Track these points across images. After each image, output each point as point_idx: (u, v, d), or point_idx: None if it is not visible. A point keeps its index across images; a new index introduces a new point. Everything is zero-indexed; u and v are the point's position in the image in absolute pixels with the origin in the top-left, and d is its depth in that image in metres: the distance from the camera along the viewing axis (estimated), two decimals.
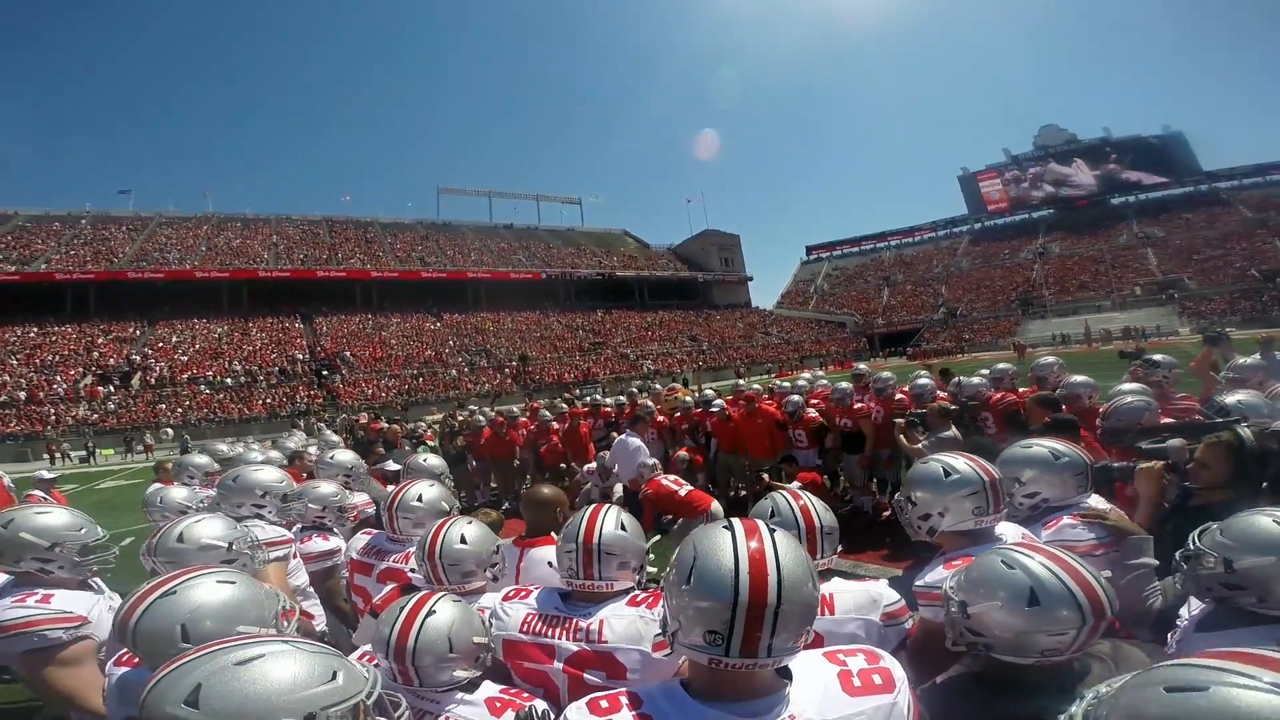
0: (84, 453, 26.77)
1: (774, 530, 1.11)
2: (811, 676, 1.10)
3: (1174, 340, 33.80)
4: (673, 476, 5.80)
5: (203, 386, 34.56)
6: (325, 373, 38.16)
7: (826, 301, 71.51)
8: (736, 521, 1.13)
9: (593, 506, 1.80)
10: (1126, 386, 4.27)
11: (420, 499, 2.65)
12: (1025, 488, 2.27)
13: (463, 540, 2.03)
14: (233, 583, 1.42)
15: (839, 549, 1.90)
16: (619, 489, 7.25)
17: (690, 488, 5.34)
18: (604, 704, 1.10)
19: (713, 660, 1.03)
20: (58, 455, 25.74)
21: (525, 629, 1.68)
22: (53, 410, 29.83)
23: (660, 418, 8.65)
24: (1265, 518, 1.48)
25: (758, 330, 60.98)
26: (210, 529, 2.11)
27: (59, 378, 32.32)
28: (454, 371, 41.32)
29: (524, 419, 9.69)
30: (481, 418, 9.77)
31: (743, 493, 7.41)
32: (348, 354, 40.76)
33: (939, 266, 68.97)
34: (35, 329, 36.60)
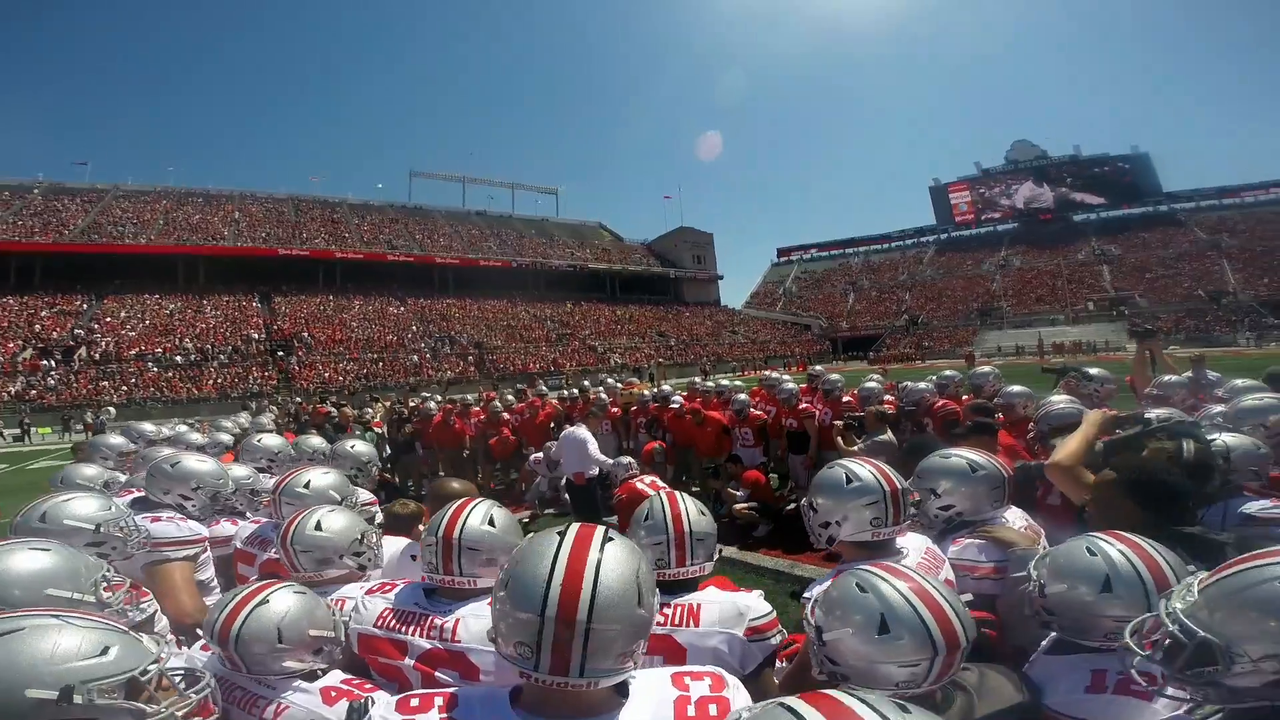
0: (18, 431, 25.54)
1: (610, 540, 1.04)
2: (648, 699, 1.04)
3: (1121, 356, 35.03)
4: (650, 479, 5.73)
5: (150, 364, 33.30)
6: (281, 353, 37.15)
7: (794, 304, 72.37)
8: (575, 527, 1.06)
9: (461, 500, 1.73)
10: (1057, 397, 4.37)
11: (308, 486, 2.52)
12: (940, 499, 2.18)
13: (318, 527, 1.96)
14: (47, 550, 1.42)
15: (715, 555, 1.82)
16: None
17: (666, 491, 5.23)
18: (414, 702, 1.06)
19: (522, 673, 0.98)
20: None
21: (380, 624, 1.63)
22: None
23: (614, 410, 8.63)
24: (1082, 544, 1.42)
25: (725, 329, 61.41)
26: (78, 509, 2.01)
27: None
28: (415, 357, 40.65)
29: (476, 408, 9.54)
30: (432, 404, 9.59)
31: (695, 488, 7.43)
32: (306, 335, 39.74)
33: (904, 274, 70.28)
34: None
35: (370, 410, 10.35)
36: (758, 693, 1.49)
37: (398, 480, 9.03)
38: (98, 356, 32.83)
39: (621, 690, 1.05)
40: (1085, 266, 58.42)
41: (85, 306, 37.54)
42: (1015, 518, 2.20)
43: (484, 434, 8.77)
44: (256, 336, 38.72)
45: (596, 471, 6.06)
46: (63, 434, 25.90)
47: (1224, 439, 2.53)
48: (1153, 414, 3.30)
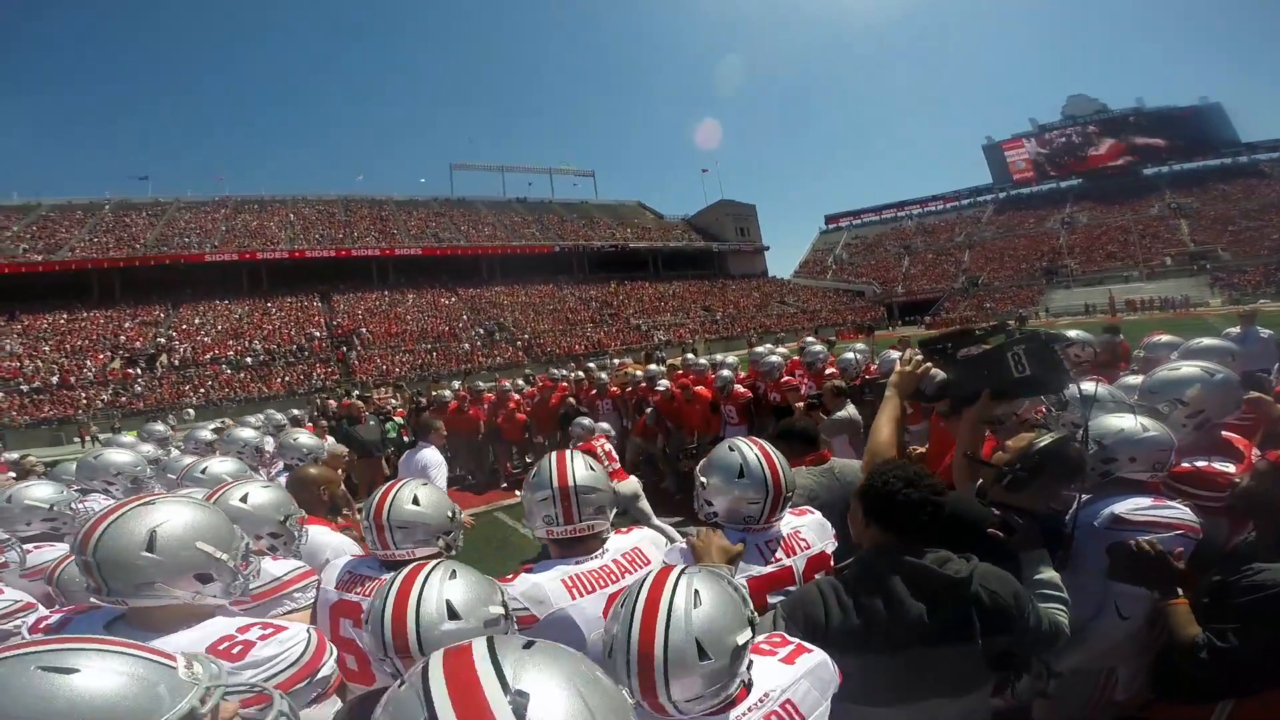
0: (110, 435, 27.77)
1: (149, 504, 1.28)
2: (204, 630, 1.25)
3: (1204, 312, 32.57)
4: (608, 448, 5.81)
5: (224, 366, 35.58)
6: (342, 349, 39.01)
7: (845, 270, 70.37)
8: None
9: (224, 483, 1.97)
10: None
11: (204, 472, 2.81)
12: (706, 492, 1.91)
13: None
14: None
15: (440, 539, 1.87)
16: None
17: (616, 466, 5.24)
18: (48, 618, 1.41)
19: None
20: (89, 439, 26.77)
21: None
22: (83, 394, 31.01)
23: (614, 390, 8.82)
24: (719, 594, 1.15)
25: (773, 300, 60.34)
26: (36, 493, 2.60)
27: (88, 362, 33.50)
28: (467, 345, 41.87)
29: (489, 394, 9.88)
30: (448, 393, 9.97)
31: (686, 469, 7.53)
32: (364, 330, 41.55)
33: (961, 235, 67.18)
34: (65, 315, 37.87)
35: (393, 401, 10.89)
36: None
37: None
38: (177, 362, 35.31)
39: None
40: (1159, 221, 54.47)
41: (163, 316, 40.30)
42: (783, 527, 1.91)
43: (492, 415, 9.05)
44: (318, 334, 40.71)
45: None
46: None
47: (1109, 420, 2.11)
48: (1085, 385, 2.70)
